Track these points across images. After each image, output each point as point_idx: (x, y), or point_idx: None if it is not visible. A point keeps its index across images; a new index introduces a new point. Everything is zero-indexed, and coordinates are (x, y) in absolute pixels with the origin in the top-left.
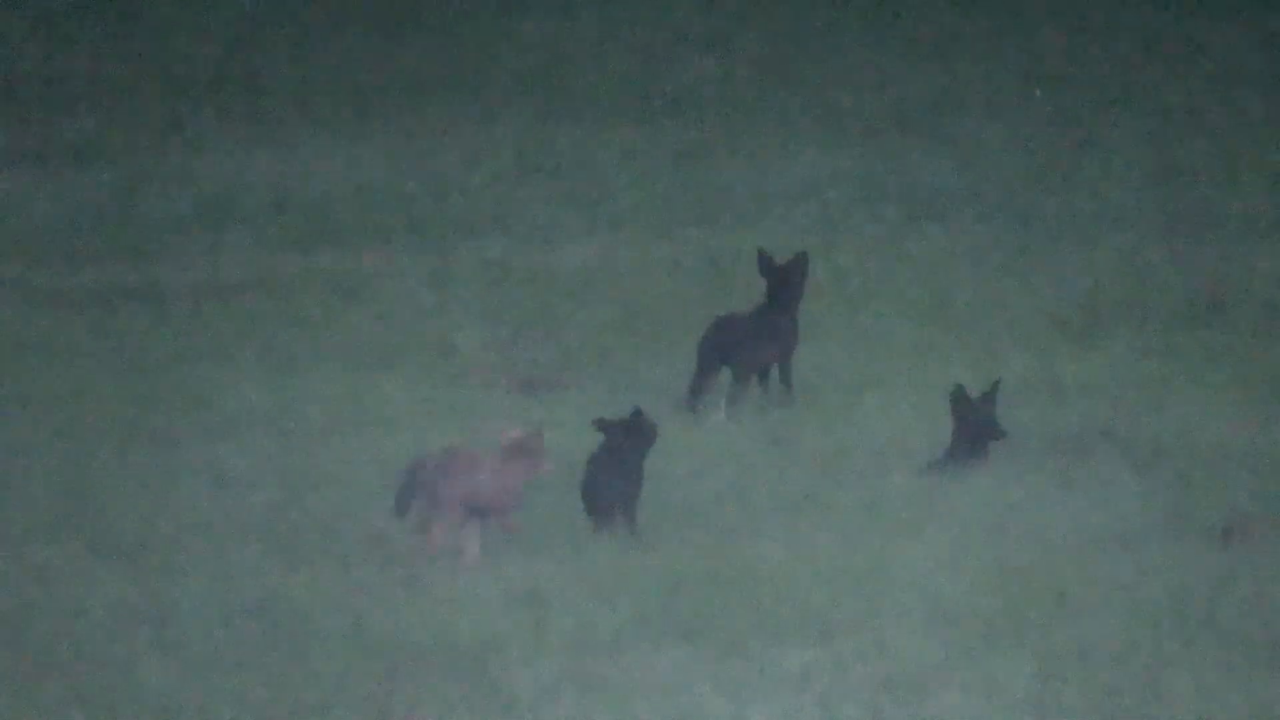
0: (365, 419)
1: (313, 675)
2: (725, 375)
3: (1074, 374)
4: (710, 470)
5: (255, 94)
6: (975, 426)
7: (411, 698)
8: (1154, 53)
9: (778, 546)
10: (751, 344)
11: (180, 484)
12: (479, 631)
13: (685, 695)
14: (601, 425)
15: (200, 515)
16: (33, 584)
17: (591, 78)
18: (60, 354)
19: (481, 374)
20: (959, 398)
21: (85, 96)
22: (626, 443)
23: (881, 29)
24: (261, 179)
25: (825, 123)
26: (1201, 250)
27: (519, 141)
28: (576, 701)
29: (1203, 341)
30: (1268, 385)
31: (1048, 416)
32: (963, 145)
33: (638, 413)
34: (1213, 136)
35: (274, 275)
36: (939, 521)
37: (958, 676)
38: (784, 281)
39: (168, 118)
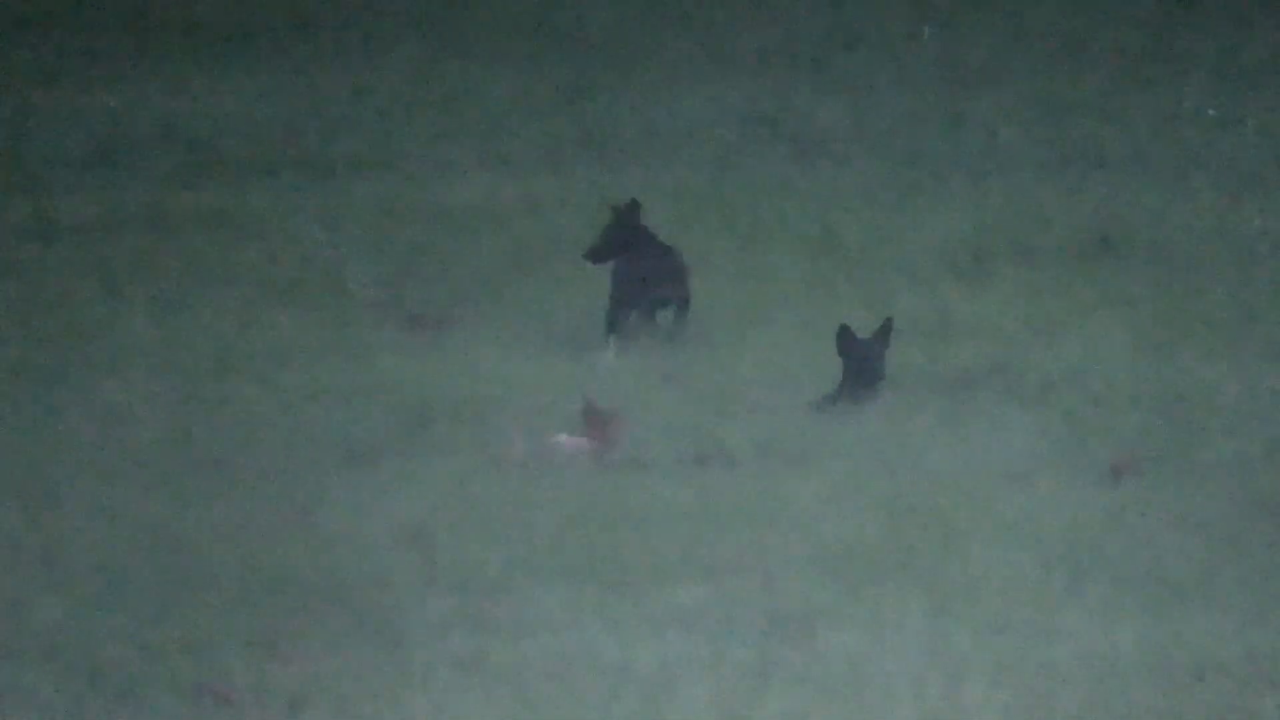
0: (254, 355)
1: (201, 611)
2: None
3: (963, 311)
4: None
5: (144, 29)
6: (859, 366)
7: (299, 635)
8: None
9: (666, 484)
10: (658, 282)
11: (68, 420)
12: (367, 569)
13: (573, 634)
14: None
15: (88, 452)
16: None
17: (480, 13)
18: None
19: (371, 310)
20: (845, 337)
21: None
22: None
23: None
24: (150, 114)
25: (714, 60)
26: (1091, 188)
27: (408, 77)
28: (465, 640)
29: (1092, 279)
30: (1157, 323)
31: (937, 354)
32: (851, 82)
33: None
34: (1101, 74)
35: (162, 211)
36: (828, 459)
37: (847, 615)
38: (621, 229)
39: (56, 53)
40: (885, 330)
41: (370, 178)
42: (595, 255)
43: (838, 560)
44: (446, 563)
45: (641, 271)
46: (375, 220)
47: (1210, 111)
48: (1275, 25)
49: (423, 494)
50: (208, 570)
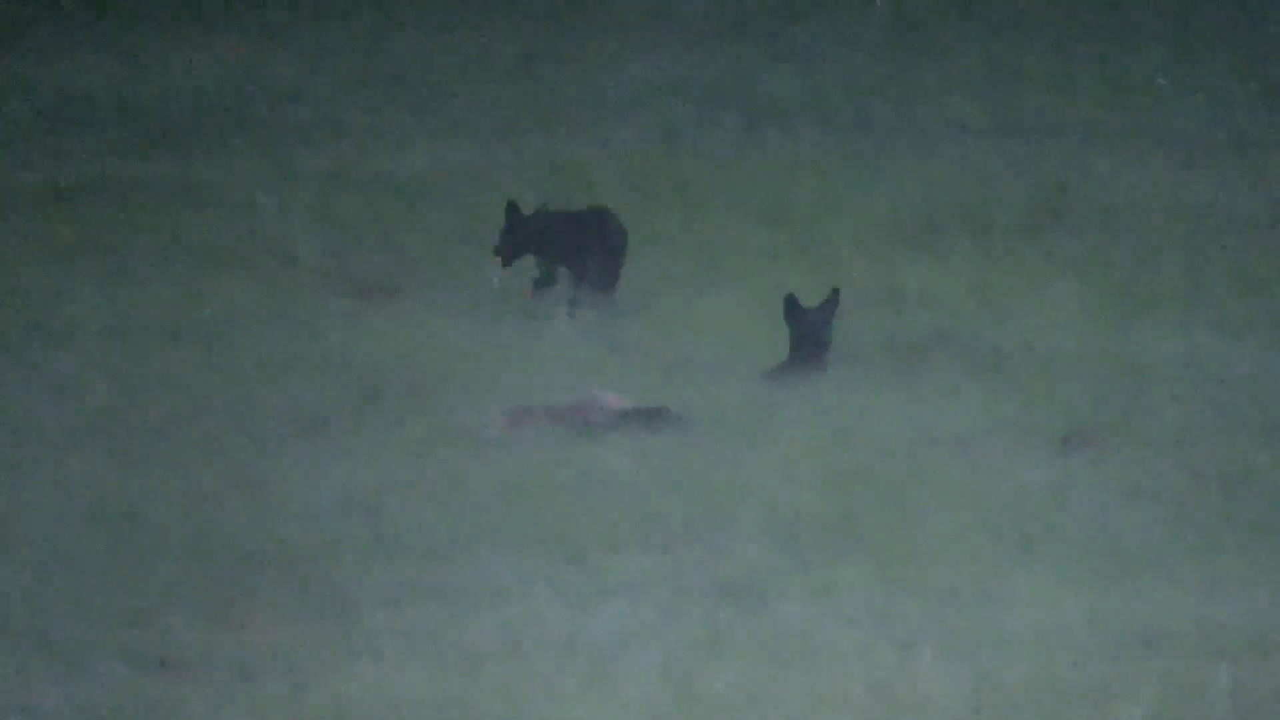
0: (203, 325)
1: (151, 580)
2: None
3: (914, 281)
4: (550, 376)
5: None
6: (806, 336)
7: (249, 604)
8: None
9: (617, 453)
10: (614, 242)
11: (17, 388)
12: (316, 538)
13: (523, 602)
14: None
15: (37, 420)
16: None
17: None
18: None
19: (320, 280)
20: (791, 307)
21: None
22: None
23: None
24: (102, 84)
25: (665, 29)
26: (1041, 157)
27: (357, 47)
28: (414, 609)
29: (1042, 248)
30: (1106, 292)
31: (887, 323)
32: (802, 52)
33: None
34: (1051, 43)
35: (113, 180)
36: (778, 428)
37: (797, 583)
38: (517, 228)
39: (8, 23)
40: (831, 302)
41: (319, 147)
42: (506, 257)
43: (788, 529)
44: (395, 532)
45: (603, 239)
46: (324, 190)
47: (1161, 81)
48: None
49: (372, 463)
50: (157, 540)
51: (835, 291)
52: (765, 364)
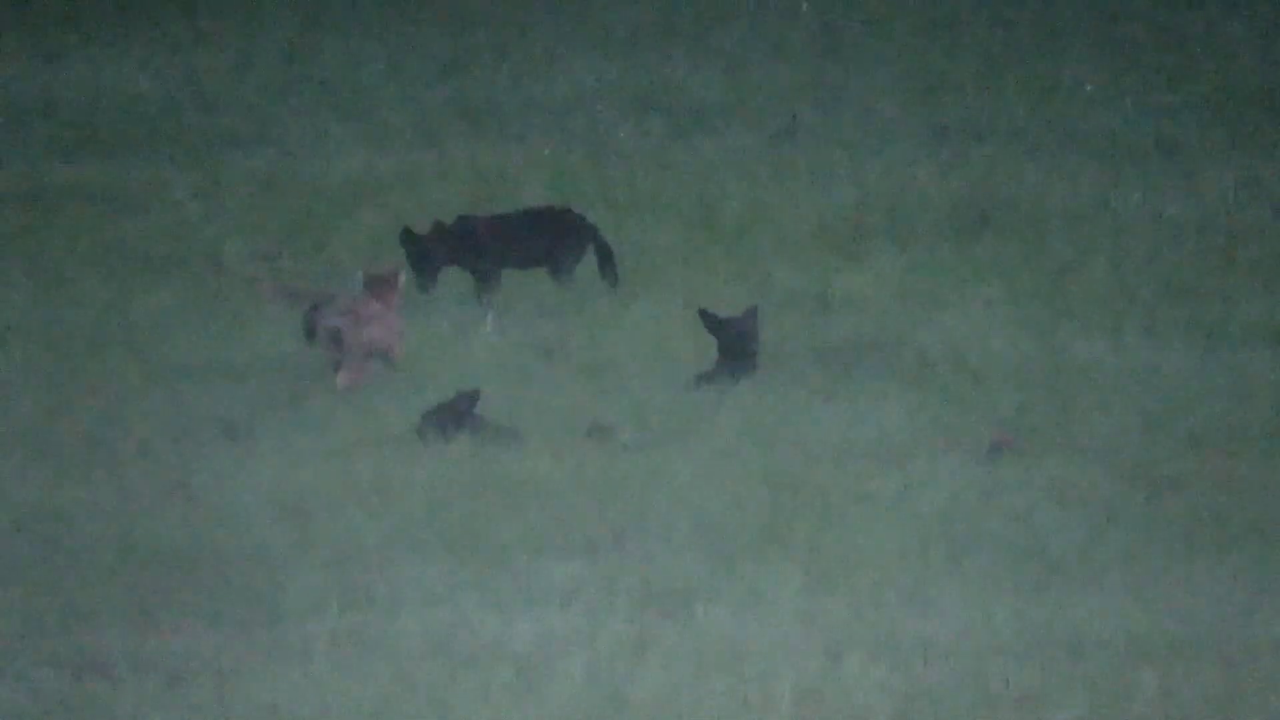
0: (132, 330)
1: (78, 585)
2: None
3: (841, 287)
4: (477, 381)
5: (22, 3)
6: (733, 345)
7: (177, 609)
8: None
9: (544, 459)
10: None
11: None
12: (245, 543)
13: (450, 608)
14: None
15: None
16: None
17: None
18: None
19: (249, 285)
20: (708, 320)
21: None
22: None
23: None
24: (29, 89)
25: (592, 34)
26: (969, 163)
27: (285, 52)
28: (342, 614)
29: (969, 255)
30: (1034, 299)
31: (815, 329)
32: (729, 57)
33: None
34: (979, 48)
35: (41, 186)
36: (706, 435)
37: (724, 590)
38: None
39: None
40: (751, 315)
41: (248, 153)
42: (424, 283)
43: (715, 536)
44: (323, 537)
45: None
46: (253, 195)
47: (1088, 86)
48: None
49: (300, 468)
50: (85, 545)
51: (753, 309)
52: (692, 370)
